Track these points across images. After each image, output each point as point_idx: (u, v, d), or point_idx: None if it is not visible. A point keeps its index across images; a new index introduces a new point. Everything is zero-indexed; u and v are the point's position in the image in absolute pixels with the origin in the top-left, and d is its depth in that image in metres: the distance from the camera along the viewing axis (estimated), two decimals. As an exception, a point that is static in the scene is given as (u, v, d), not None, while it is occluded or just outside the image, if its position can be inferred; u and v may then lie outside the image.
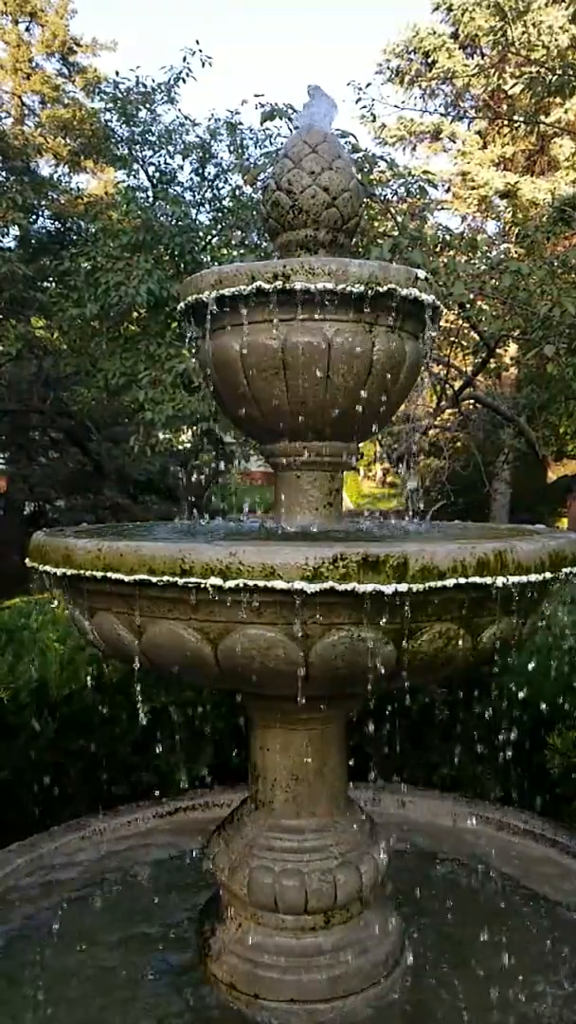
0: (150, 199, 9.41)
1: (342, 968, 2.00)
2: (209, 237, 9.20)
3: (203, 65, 9.10)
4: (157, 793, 3.17)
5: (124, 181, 10.08)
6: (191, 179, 9.72)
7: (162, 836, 2.97)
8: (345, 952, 2.03)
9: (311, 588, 1.44)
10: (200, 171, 9.60)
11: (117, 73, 9.31)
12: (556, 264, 5.83)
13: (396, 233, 5.88)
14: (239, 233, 8.96)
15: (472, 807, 3.09)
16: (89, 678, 3.21)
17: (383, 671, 1.60)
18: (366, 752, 2.98)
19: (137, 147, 9.53)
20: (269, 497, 2.28)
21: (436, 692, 3.29)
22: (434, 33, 15.31)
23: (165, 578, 1.50)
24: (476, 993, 2.08)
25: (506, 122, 14.27)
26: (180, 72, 9.11)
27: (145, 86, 9.27)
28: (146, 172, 9.69)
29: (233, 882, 2.04)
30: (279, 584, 1.44)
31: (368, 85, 8.46)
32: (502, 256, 6.04)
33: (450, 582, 1.50)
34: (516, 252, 6.60)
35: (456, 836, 2.98)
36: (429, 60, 15.52)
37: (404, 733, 3.17)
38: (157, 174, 9.66)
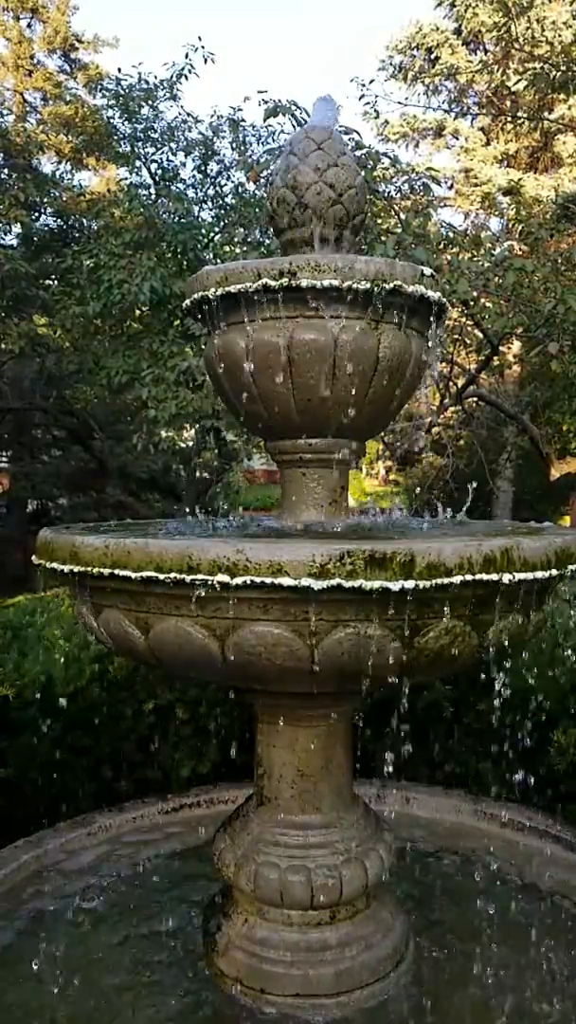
0: (153, 196, 9.41)
1: (348, 963, 2.01)
2: (212, 234, 9.20)
3: (205, 62, 9.09)
4: (162, 790, 3.19)
5: (127, 178, 10.08)
6: (194, 176, 9.72)
7: (167, 832, 2.97)
8: (351, 947, 2.03)
9: (318, 585, 1.44)
10: (203, 168, 9.59)
11: (119, 70, 9.31)
12: (560, 261, 5.82)
13: (399, 230, 5.87)
14: (242, 230, 8.96)
15: (476, 804, 3.09)
16: (94, 675, 3.22)
17: (389, 668, 1.60)
18: (371, 748, 2.98)
19: (139, 144, 9.52)
20: (272, 495, 2.29)
21: (441, 689, 3.30)
22: (437, 29, 15.27)
23: (172, 575, 1.50)
24: (481, 988, 2.08)
25: (509, 119, 14.21)
26: (182, 69, 9.10)
27: (147, 83, 9.26)
28: (148, 169, 9.69)
29: (239, 878, 2.05)
30: (286, 581, 1.45)
31: (371, 82, 8.46)
32: (506, 253, 6.03)
33: (457, 579, 1.50)
34: (520, 249, 6.58)
35: (460, 832, 2.98)
36: (432, 56, 15.47)
37: (409, 730, 3.17)
38: (160, 171, 9.66)
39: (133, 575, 1.55)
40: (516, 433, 9.51)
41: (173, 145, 9.52)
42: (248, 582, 1.46)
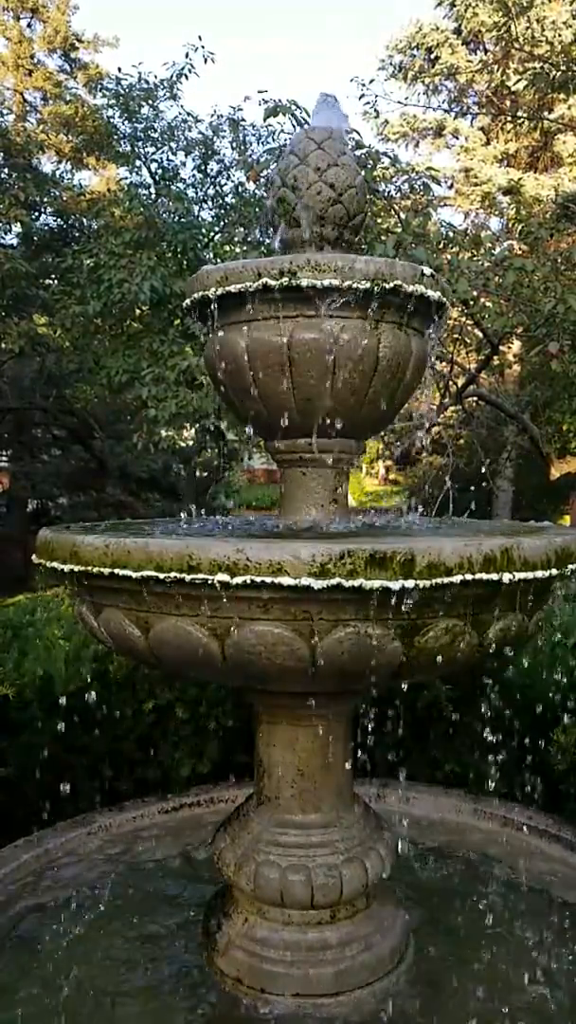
0: (153, 196, 9.40)
1: (348, 963, 2.01)
2: (212, 234, 9.19)
3: (205, 61, 9.08)
4: (162, 789, 3.18)
5: (127, 178, 10.09)
6: (194, 176, 9.71)
7: (167, 832, 2.98)
8: (351, 947, 2.04)
9: (318, 584, 1.44)
10: (203, 168, 9.58)
11: (119, 69, 9.29)
12: (560, 261, 5.82)
13: (399, 230, 5.87)
14: (242, 230, 8.96)
15: (476, 803, 3.09)
16: (94, 675, 3.22)
17: (389, 667, 1.61)
18: (371, 748, 2.98)
19: (139, 143, 9.52)
20: (271, 495, 2.29)
21: (440, 688, 3.30)
22: (437, 29, 15.27)
23: (172, 574, 1.50)
24: (481, 987, 2.09)
25: (509, 118, 14.21)
26: (183, 68, 9.09)
27: (147, 82, 9.25)
28: (148, 169, 9.69)
29: (239, 877, 2.05)
30: (286, 580, 1.45)
31: (371, 81, 8.44)
32: (506, 253, 6.03)
33: (457, 578, 1.50)
34: (520, 249, 6.59)
35: (460, 832, 2.98)
36: (432, 56, 15.47)
37: (408, 729, 3.17)
38: (160, 171, 9.65)
39: (133, 575, 1.55)
40: (516, 433, 9.51)
41: (173, 145, 9.51)
42: (248, 581, 1.46)
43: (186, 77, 9.19)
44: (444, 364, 7.24)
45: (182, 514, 2.59)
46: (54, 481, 13.16)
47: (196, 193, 9.72)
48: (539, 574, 1.60)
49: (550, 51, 10.37)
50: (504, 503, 13.89)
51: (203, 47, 8.94)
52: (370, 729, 2.18)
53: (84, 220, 11.07)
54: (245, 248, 8.81)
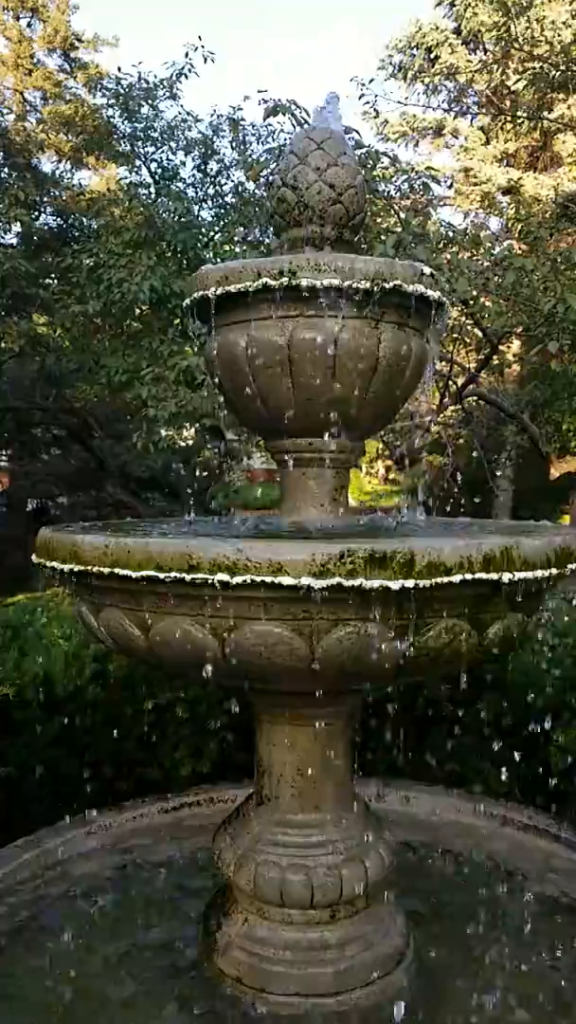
0: (152, 195, 9.41)
1: (348, 962, 2.01)
2: (212, 233, 9.20)
3: (205, 61, 9.09)
4: (162, 789, 3.18)
5: (126, 177, 10.10)
6: (193, 175, 9.73)
7: (167, 831, 2.97)
8: (351, 946, 2.04)
9: (318, 584, 1.44)
10: (202, 167, 9.60)
11: (119, 69, 9.31)
12: (559, 260, 5.83)
13: (399, 229, 5.88)
14: (242, 229, 8.96)
15: (476, 803, 3.09)
16: (94, 674, 3.22)
17: (389, 667, 1.61)
18: (371, 748, 2.98)
19: (139, 143, 9.53)
20: (271, 495, 2.29)
21: (440, 688, 3.30)
22: (437, 28, 15.26)
23: (172, 574, 1.50)
24: (482, 987, 2.09)
25: (509, 118, 14.20)
26: (182, 68, 9.10)
27: (147, 82, 9.25)
28: (148, 168, 9.70)
29: (239, 877, 2.05)
30: (286, 580, 1.45)
31: (371, 81, 8.48)
32: (505, 252, 6.03)
33: (456, 578, 1.50)
34: (519, 248, 6.59)
35: (460, 831, 2.98)
36: (432, 56, 15.46)
37: (408, 729, 3.17)
38: (159, 170, 9.66)
39: (133, 574, 1.55)
40: (516, 432, 9.52)
41: (173, 144, 9.53)
42: (248, 581, 1.46)
43: (186, 77, 9.21)
44: (444, 364, 7.24)
45: (185, 515, 2.60)
46: (54, 481, 13.17)
47: (196, 193, 9.73)
48: (539, 574, 1.60)
49: (550, 51, 10.37)
50: (504, 503, 13.89)
51: (203, 47, 8.96)
52: (370, 729, 2.19)
53: (84, 220, 11.08)
54: (245, 248, 8.81)
